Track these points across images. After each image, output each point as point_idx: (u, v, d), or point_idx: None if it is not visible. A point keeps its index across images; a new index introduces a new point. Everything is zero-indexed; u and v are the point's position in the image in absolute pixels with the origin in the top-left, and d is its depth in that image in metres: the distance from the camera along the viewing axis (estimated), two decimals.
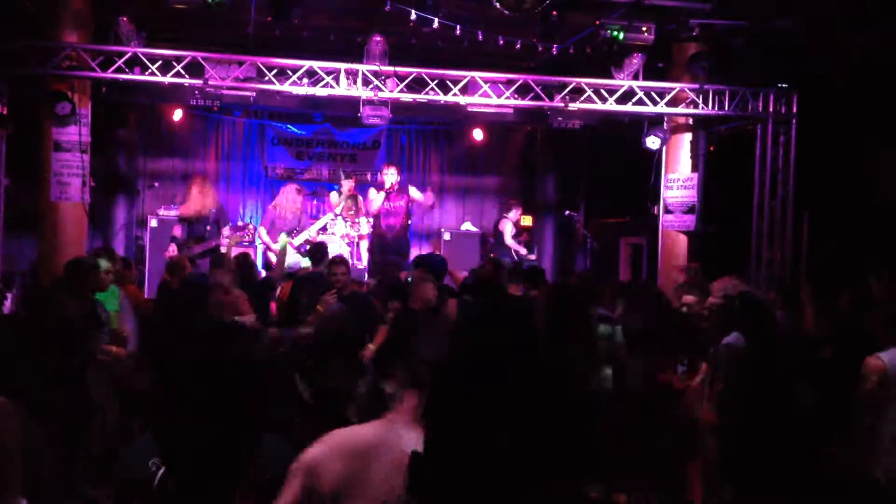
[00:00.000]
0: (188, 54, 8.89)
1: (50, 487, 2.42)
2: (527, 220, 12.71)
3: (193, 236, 9.61)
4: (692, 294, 6.90)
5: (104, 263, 6.34)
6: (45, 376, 4.20)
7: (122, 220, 12.08)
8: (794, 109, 9.93)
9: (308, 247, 10.11)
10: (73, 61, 8.67)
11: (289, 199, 10.58)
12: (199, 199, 9.70)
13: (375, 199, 10.55)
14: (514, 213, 12.00)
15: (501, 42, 9.25)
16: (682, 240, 10.36)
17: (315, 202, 12.76)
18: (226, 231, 9.68)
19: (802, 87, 9.89)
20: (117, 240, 11.86)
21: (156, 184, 11.42)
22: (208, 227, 9.71)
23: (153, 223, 11.05)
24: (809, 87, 9.79)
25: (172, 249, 9.47)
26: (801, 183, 9.80)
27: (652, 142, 10.13)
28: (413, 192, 10.71)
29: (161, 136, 12.55)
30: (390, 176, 10.57)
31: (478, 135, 13.27)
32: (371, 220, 10.86)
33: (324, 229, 10.77)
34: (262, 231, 10.52)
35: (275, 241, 10.25)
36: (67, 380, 4.54)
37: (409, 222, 10.86)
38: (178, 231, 9.75)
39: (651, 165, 10.76)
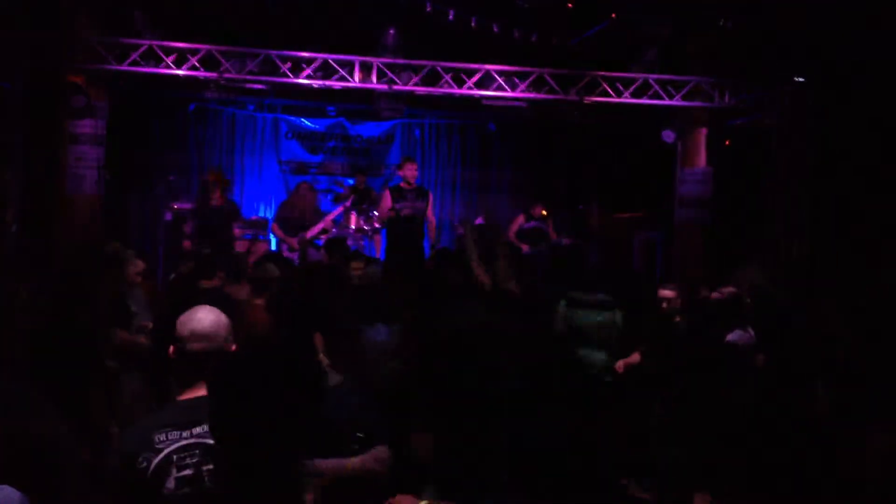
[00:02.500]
0: (203, 47, 8.89)
1: (74, 485, 2.40)
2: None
3: (205, 231, 9.54)
4: (668, 288, 6.82)
5: (140, 263, 6.38)
6: (78, 372, 4.18)
7: (136, 214, 12.10)
8: (811, 103, 9.86)
9: (324, 240, 10.11)
10: (89, 54, 8.68)
11: (301, 196, 10.54)
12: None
13: (382, 206, 10.32)
14: (523, 218, 11.77)
15: (517, 35, 9.21)
16: (697, 234, 10.31)
17: (329, 196, 12.77)
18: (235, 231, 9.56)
19: (819, 81, 9.82)
20: (132, 233, 11.87)
21: (170, 177, 11.42)
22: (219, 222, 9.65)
23: (167, 217, 11.07)
24: (826, 81, 9.71)
25: (187, 245, 9.46)
26: (818, 178, 9.73)
27: (667, 135, 10.10)
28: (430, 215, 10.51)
29: (176, 130, 12.57)
30: (413, 171, 10.37)
31: (492, 128, 13.24)
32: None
33: (337, 223, 10.74)
34: (276, 227, 10.47)
35: (290, 237, 10.22)
36: (101, 377, 4.52)
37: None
38: (189, 228, 9.72)
39: (666, 159, 10.72)
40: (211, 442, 2.41)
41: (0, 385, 2.40)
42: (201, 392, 2.53)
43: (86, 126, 8.92)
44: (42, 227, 9.22)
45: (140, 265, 6.61)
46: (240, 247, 10.50)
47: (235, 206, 10.22)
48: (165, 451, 2.47)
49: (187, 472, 2.46)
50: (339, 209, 10.79)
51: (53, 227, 9.09)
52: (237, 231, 9.55)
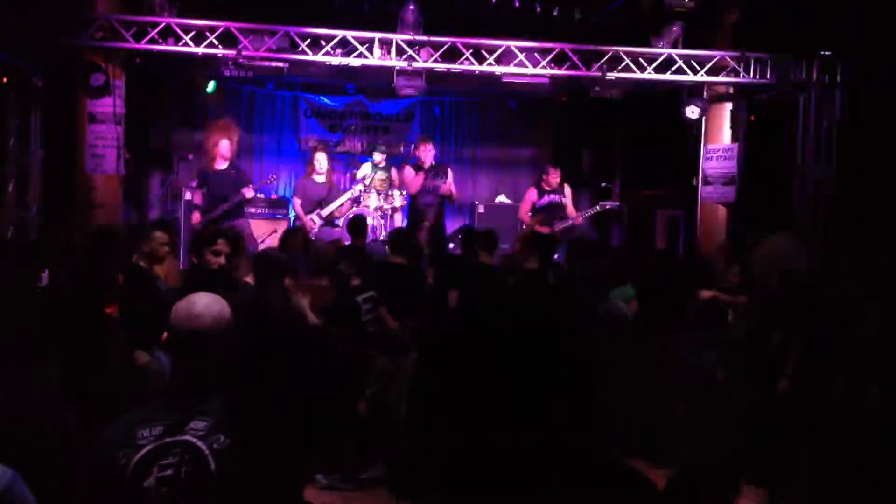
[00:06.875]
0: (221, 24, 8.81)
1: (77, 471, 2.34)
2: None
3: (215, 199, 9.42)
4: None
5: (160, 235, 6.29)
6: (96, 355, 4.14)
7: (156, 193, 12.09)
8: (838, 78, 9.66)
9: (339, 219, 10.04)
10: (107, 32, 8.63)
11: (319, 164, 10.38)
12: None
13: (414, 180, 10.21)
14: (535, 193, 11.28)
15: (538, 10, 9.07)
16: (722, 212, 10.17)
17: (348, 175, 12.70)
18: (248, 192, 9.37)
19: (846, 55, 9.61)
20: (152, 212, 11.87)
21: (189, 156, 11.38)
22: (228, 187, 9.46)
23: (187, 195, 11.04)
24: (854, 55, 9.51)
25: (196, 218, 9.38)
26: (845, 153, 9.55)
27: (691, 111, 9.91)
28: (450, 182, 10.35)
29: (195, 108, 12.52)
30: (429, 152, 10.27)
31: (513, 105, 13.11)
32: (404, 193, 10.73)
33: (356, 202, 10.67)
34: (297, 202, 10.34)
35: (306, 215, 10.14)
36: (117, 360, 4.47)
37: (447, 198, 10.47)
38: (197, 198, 9.61)
39: (690, 136, 10.55)
40: (194, 440, 2.26)
41: (9, 371, 2.37)
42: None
43: (105, 105, 8.88)
44: (62, 208, 9.24)
45: (161, 236, 6.55)
46: (261, 226, 10.46)
47: (241, 170, 9.99)
48: (146, 449, 2.27)
49: (168, 472, 2.25)
50: (357, 186, 10.69)
51: (74, 208, 9.11)
52: (255, 210, 9.48)
